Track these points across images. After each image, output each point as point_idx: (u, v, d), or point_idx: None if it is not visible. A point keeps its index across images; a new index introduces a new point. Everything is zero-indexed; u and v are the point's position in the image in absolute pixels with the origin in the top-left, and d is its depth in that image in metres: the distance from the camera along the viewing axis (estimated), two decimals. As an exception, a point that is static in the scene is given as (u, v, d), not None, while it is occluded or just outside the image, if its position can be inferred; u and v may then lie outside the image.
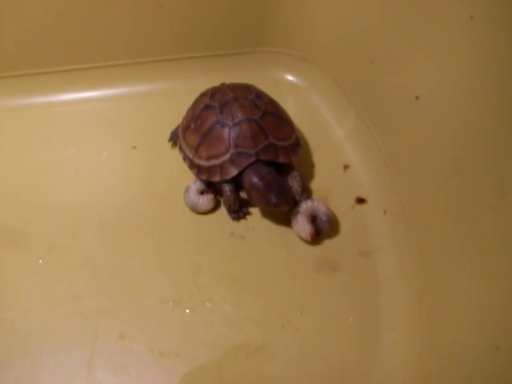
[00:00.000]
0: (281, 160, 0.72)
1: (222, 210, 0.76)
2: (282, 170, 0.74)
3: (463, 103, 0.58)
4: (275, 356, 0.63)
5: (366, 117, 0.79)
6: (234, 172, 0.70)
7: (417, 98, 0.65)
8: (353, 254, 0.71)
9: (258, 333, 0.65)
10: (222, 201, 0.76)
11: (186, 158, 0.76)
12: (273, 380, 0.62)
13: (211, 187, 0.76)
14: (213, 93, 0.77)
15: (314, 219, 0.72)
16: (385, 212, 0.74)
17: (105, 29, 0.85)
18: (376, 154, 0.76)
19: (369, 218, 0.75)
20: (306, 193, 0.74)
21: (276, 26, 0.89)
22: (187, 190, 0.75)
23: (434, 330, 0.60)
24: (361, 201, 0.76)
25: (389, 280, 0.68)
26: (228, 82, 0.81)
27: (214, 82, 0.82)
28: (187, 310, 0.67)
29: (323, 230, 0.71)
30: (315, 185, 0.78)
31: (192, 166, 0.75)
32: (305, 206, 0.71)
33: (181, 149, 0.78)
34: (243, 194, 0.74)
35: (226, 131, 0.72)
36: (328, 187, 0.78)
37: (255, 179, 0.69)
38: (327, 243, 0.72)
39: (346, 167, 0.81)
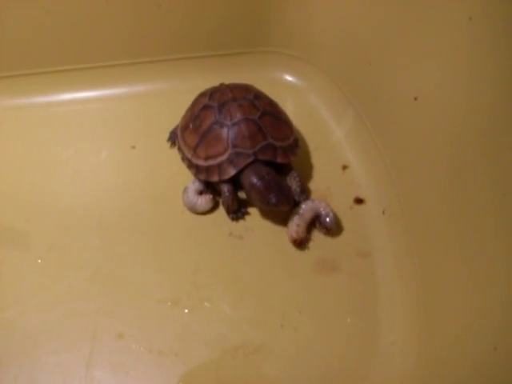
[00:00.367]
0: (279, 160, 0.72)
1: (221, 210, 0.76)
2: (281, 170, 0.74)
3: (462, 104, 0.58)
4: (273, 356, 0.63)
5: (364, 117, 0.79)
6: (232, 172, 0.70)
7: (415, 98, 0.65)
8: (351, 255, 0.71)
9: (257, 333, 0.65)
10: (220, 201, 0.76)
11: (184, 158, 0.76)
12: (271, 380, 0.62)
13: (210, 187, 0.76)
14: (211, 93, 0.77)
15: (315, 220, 0.72)
16: (383, 212, 0.74)
17: (104, 29, 0.85)
18: (375, 154, 0.76)
19: (367, 219, 0.75)
20: (305, 193, 0.74)
21: (275, 27, 0.89)
22: (186, 190, 0.75)
23: (433, 330, 0.60)
24: (359, 201, 0.77)
25: (387, 280, 0.68)
26: (227, 82, 0.81)
27: (213, 82, 0.82)
28: (186, 310, 0.67)
29: (331, 230, 0.72)
30: (314, 185, 0.78)
31: (190, 165, 0.75)
32: (305, 207, 0.71)
33: (179, 149, 0.78)
34: (242, 194, 0.74)
35: (224, 131, 0.72)
36: (327, 187, 0.78)
37: (254, 179, 0.69)
38: (326, 243, 0.72)
39: (344, 167, 0.81)
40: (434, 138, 0.63)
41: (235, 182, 0.72)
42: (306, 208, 0.71)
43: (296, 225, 0.71)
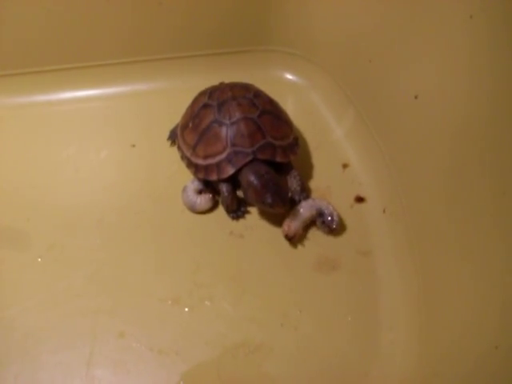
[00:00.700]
0: (278, 159, 0.72)
1: (221, 209, 0.76)
2: (281, 169, 0.73)
3: (462, 103, 0.58)
4: (274, 354, 0.63)
5: (365, 116, 0.79)
6: (230, 171, 0.70)
7: (416, 97, 0.65)
8: (352, 253, 0.71)
9: (257, 331, 0.65)
10: (220, 200, 0.76)
11: (183, 157, 0.76)
12: (272, 378, 0.62)
13: (209, 187, 0.75)
14: (211, 92, 0.77)
15: (316, 218, 0.72)
16: (384, 211, 0.74)
17: (104, 27, 0.85)
18: (375, 152, 0.76)
19: (368, 217, 0.75)
20: (306, 192, 0.74)
21: (276, 25, 0.89)
22: (185, 189, 0.75)
23: (433, 329, 0.60)
24: (360, 200, 0.76)
25: (388, 279, 0.68)
26: (228, 80, 0.81)
27: (213, 80, 0.82)
28: (186, 309, 0.67)
29: (334, 230, 0.72)
30: (314, 183, 0.78)
31: (189, 164, 0.75)
32: (304, 205, 0.71)
33: (179, 148, 0.78)
34: (241, 194, 0.74)
35: (223, 130, 0.71)
36: (327, 186, 0.78)
37: (252, 177, 0.68)
38: (326, 242, 0.72)
39: (345, 166, 0.81)
40: (435, 137, 0.63)
41: (234, 181, 0.72)
42: (305, 206, 0.71)
43: (290, 220, 0.71)
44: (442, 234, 0.62)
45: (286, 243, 0.72)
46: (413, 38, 0.66)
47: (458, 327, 0.55)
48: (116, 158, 0.83)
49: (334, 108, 0.87)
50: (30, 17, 0.82)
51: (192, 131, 0.75)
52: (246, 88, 0.77)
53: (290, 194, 0.73)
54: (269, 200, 0.67)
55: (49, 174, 0.81)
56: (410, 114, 0.68)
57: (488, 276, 0.53)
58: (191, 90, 0.81)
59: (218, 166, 0.71)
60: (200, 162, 0.73)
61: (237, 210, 0.74)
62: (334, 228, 0.71)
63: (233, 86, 0.77)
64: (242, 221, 0.75)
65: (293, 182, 0.73)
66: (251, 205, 0.75)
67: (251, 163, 0.70)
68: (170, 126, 0.84)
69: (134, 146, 0.84)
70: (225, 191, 0.72)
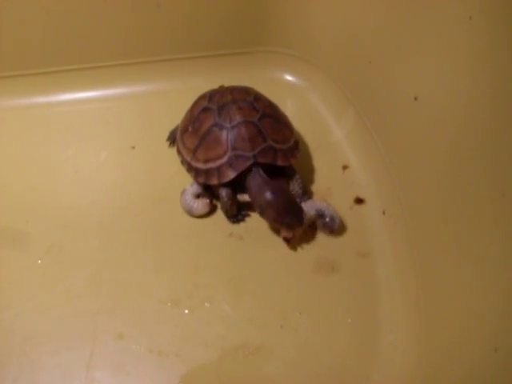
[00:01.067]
0: (279, 163, 0.71)
1: (221, 211, 0.75)
2: (283, 172, 0.73)
3: (462, 104, 0.58)
4: (274, 356, 0.63)
5: (364, 117, 0.79)
6: (231, 175, 0.70)
7: (415, 98, 0.65)
8: (351, 255, 0.71)
9: (257, 333, 0.65)
10: (217, 204, 0.76)
11: (183, 161, 0.76)
12: (271, 380, 0.62)
13: (208, 191, 0.75)
14: (211, 95, 0.77)
15: (317, 220, 0.72)
16: (384, 212, 0.74)
17: (103, 29, 0.85)
18: (375, 154, 0.76)
19: (368, 219, 0.75)
20: (307, 194, 0.74)
21: (275, 26, 0.89)
22: (183, 192, 0.75)
23: (433, 330, 0.60)
24: (360, 201, 0.76)
25: (387, 280, 0.68)
26: (227, 81, 0.82)
27: (212, 81, 0.82)
28: (186, 311, 0.67)
29: (334, 232, 0.72)
30: (314, 185, 0.78)
31: (190, 169, 0.74)
32: (305, 207, 0.71)
33: (179, 151, 0.77)
34: (241, 197, 0.73)
35: (223, 134, 0.71)
36: (327, 187, 0.78)
37: (269, 196, 0.67)
38: (326, 243, 0.72)
39: (344, 167, 0.81)
40: (434, 138, 0.63)
41: (234, 186, 0.72)
42: (305, 207, 0.71)
43: None
44: (442, 236, 0.62)
45: (285, 245, 0.72)
46: (412, 39, 0.66)
47: (457, 329, 0.55)
48: (116, 159, 0.83)
49: (334, 109, 0.87)
50: (30, 18, 0.82)
51: (192, 135, 0.74)
52: (245, 91, 0.77)
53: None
54: (287, 220, 0.67)
55: (49, 175, 0.81)
56: (410, 115, 0.68)
57: (487, 278, 0.53)
58: (191, 92, 0.81)
59: (219, 170, 0.71)
60: (200, 166, 0.73)
61: (236, 215, 0.74)
62: (335, 229, 0.71)
63: (233, 90, 0.77)
64: (241, 223, 0.75)
65: (295, 185, 0.73)
66: (252, 210, 0.75)
67: (254, 169, 0.70)
68: (170, 127, 0.84)
69: (133, 147, 0.84)
70: (224, 196, 0.72)
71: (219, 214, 0.76)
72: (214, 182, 0.71)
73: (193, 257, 0.71)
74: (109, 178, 0.81)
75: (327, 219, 0.71)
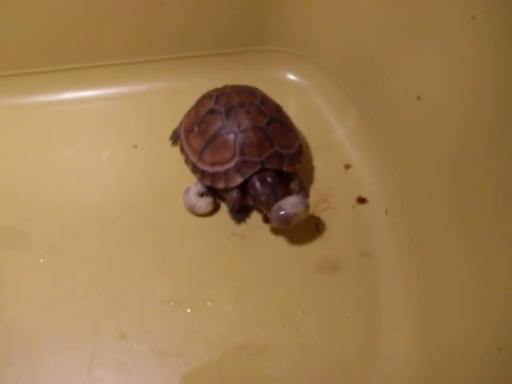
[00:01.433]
0: (285, 169, 0.72)
1: (224, 210, 0.76)
2: (286, 175, 0.73)
3: (465, 104, 0.58)
4: (276, 356, 0.63)
5: (367, 116, 0.79)
6: (239, 180, 0.70)
7: (418, 98, 0.65)
8: (354, 254, 0.71)
9: (259, 333, 0.65)
10: (220, 203, 0.76)
11: (188, 161, 0.76)
12: (273, 380, 0.62)
13: (211, 190, 0.75)
14: (217, 96, 0.76)
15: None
16: (386, 212, 0.74)
17: (106, 27, 0.85)
18: (377, 153, 0.76)
19: (370, 218, 0.75)
20: (303, 191, 0.75)
21: (277, 25, 0.89)
22: (187, 191, 0.75)
23: (435, 330, 0.60)
24: (362, 200, 0.76)
25: (390, 280, 0.68)
26: (229, 80, 0.81)
27: (215, 80, 0.82)
28: (188, 310, 0.67)
29: (271, 222, 0.70)
30: (316, 184, 0.78)
31: (195, 170, 0.74)
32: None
33: (183, 151, 0.77)
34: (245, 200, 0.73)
35: (231, 138, 0.71)
36: (329, 187, 0.78)
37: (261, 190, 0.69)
38: (328, 243, 0.72)
39: (347, 167, 0.81)
40: (437, 138, 0.63)
41: (243, 187, 0.71)
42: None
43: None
44: (444, 235, 0.62)
45: (288, 244, 0.72)
46: (415, 39, 0.66)
47: (460, 329, 0.55)
48: (118, 158, 0.83)
49: (336, 109, 0.87)
50: (31, 17, 0.82)
51: (198, 136, 0.74)
52: (252, 93, 0.77)
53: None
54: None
55: (50, 174, 0.81)
56: (413, 114, 0.68)
57: (490, 277, 0.53)
58: (193, 91, 0.81)
59: (226, 175, 0.71)
60: (207, 168, 0.73)
61: (239, 212, 0.74)
62: (272, 221, 0.69)
63: (239, 91, 0.76)
64: (243, 223, 0.74)
65: (294, 186, 0.74)
66: (257, 209, 0.75)
67: (259, 172, 0.70)
68: (172, 126, 0.84)
69: (136, 146, 0.84)
70: (234, 197, 0.72)
71: (222, 213, 0.75)
72: (221, 185, 0.71)
73: (195, 256, 0.71)
74: (111, 177, 0.81)
75: (282, 212, 0.68)
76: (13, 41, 0.85)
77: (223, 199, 0.75)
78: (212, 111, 0.74)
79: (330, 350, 0.63)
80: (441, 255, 0.62)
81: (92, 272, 0.70)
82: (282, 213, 0.67)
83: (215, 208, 0.75)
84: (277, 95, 0.80)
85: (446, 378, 0.55)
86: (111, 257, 0.71)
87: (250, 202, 0.72)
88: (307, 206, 0.68)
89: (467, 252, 0.57)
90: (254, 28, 0.89)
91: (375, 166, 0.77)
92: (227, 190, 0.72)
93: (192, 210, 0.74)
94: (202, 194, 0.75)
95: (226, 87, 0.79)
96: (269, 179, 0.70)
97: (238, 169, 0.70)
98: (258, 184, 0.70)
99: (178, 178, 0.79)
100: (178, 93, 0.90)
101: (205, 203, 0.74)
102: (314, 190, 0.78)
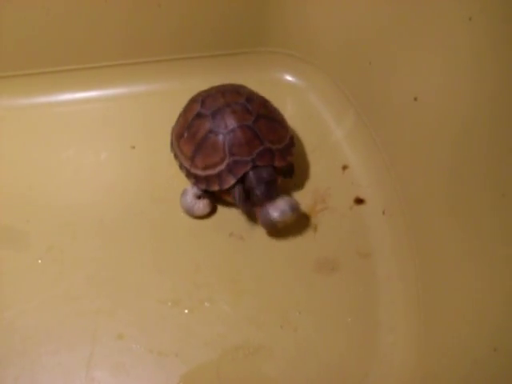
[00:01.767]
0: (277, 164, 0.72)
1: (221, 211, 0.76)
2: (283, 170, 0.74)
3: (462, 105, 0.58)
4: (274, 356, 0.63)
5: (364, 117, 0.79)
6: (231, 181, 0.70)
7: (415, 99, 0.65)
8: (352, 255, 0.71)
9: (257, 333, 0.65)
10: (217, 205, 0.76)
11: (182, 167, 0.76)
12: (271, 380, 0.62)
13: (208, 192, 0.75)
14: (203, 99, 0.76)
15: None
16: (383, 212, 0.74)
17: (104, 29, 0.85)
18: (375, 154, 0.76)
19: (367, 219, 0.75)
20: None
21: (275, 26, 0.89)
22: (184, 193, 0.75)
23: (433, 330, 0.60)
24: (359, 201, 0.77)
25: (387, 280, 0.68)
26: (227, 81, 0.81)
27: (212, 82, 0.82)
28: (186, 310, 0.67)
29: (263, 225, 0.71)
30: (314, 185, 0.78)
31: (189, 175, 0.74)
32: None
33: (176, 157, 0.77)
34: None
35: (220, 140, 0.71)
36: (327, 187, 0.78)
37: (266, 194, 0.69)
38: (326, 243, 0.72)
39: (344, 168, 0.81)
40: (434, 139, 0.63)
41: (243, 184, 0.72)
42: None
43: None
44: (442, 236, 0.62)
45: (285, 245, 0.72)
46: (412, 40, 0.66)
47: (457, 329, 0.55)
48: (116, 159, 0.83)
49: (334, 110, 0.87)
50: (30, 18, 0.82)
51: (188, 142, 0.74)
52: (237, 92, 0.77)
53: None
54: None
55: (48, 175, 0.81)
56: (410, 115, 0.68)
57: (487, 278, 0.53)
58: (191, 92, 0.81)
59: (219, 177, 0.71)
60: (200, 172, 0.73)
61: (247, 203, 0.73)
62: (263, 225, 0.71)
63: (224, 92, 0.76)
64: (242, 222, 0.75)
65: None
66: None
67: (253, 169, 0.70)
68: (170, 127, 0.83)
69: (133, 147, 0.84)
70: (237, 196, 0.71)
71: (219, 214, 0.76)
72: (216, 188, 0.71)
73: (193, 256, 0.71)
74: (109, 177, 0.81)
75: (268, 216, 0.69)
76: (12, 42, 0.85)
77: (219, 199, 0.75)
78: (199, 115, 0.74)
79: (327, 350, 0.64)
80: (438, 255, 0.62)
81: (90, 272, 0.70)
82: (269, 217, 0.69)
83: (212, 210, 0.75)
84: (274, 96, 0.80)
85: (444, 378, 0.55)
86: (109, 257, 0.71)
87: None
88: (296, 211, 0.69)
89: (465, 252, 0.57)
90: (252, 29, 0.89)
91: (373, 167, 0.78)
92: (228, 190, 0.72)
93: (189, 213, 0.74)
94: (199, 196, 0.75)
95: (211, 89, 0.79)
96: (264, 175, 0.70)
97: (229, 170, 0.70)
98: (253, 180, 0.70)
99: (176, 179, 0.79)
100: (176, 94, 0.89)
101: (202, 205, 0.74)
102: (312, 191, 0.78)
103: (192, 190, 0.74)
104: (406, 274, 0.67)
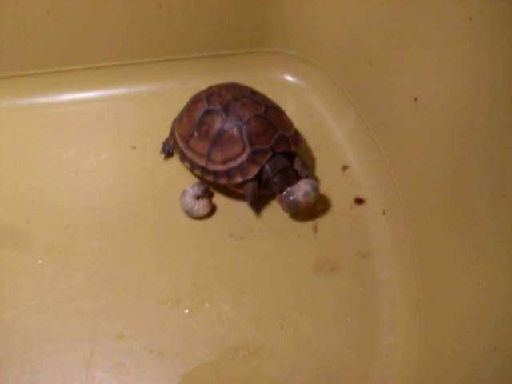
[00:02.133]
0: (293, 149, 0.74)
1: (221, 211, 0.76)
2: (290, 157, 0.75)
3: (462, 105, 0.58)
4: (274, 357, 0.63)
5: (364, 117, 0.79)
6: (255, 170, 0.71)
7: (415, 99, 0.65)
8: (352, 255, 0.71)
9: (257, 333, 0.65)
10: (217, 205, 0.76)
11: (195, 167, 0.75)
12: (271, 380, 0.62)
13: (207, 192, 0.76)
14: (208, 97, 0.76)
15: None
16: (384, 213, 0.74)
17: (104, 29, 0.85)
18: (375, 154, 0.76)
19: (368, 219, 0.75)
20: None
21: (275, 27, 0.89)
22: (183, 193, 0.75)
23: (433, 330, 0.60)
24: (360, 201, 0.77)
25: (388, 281, 0.69)
26: (227, 82, 0.81)
27: (213, 82, 0.82)
28: (186, 311, 0.67)
29: (284, 208, 0.72)
30: (314, 185, 0.78)
31: (207, 172, 0.74)
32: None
33: (185, 159, 0.76)
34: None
35: (237, 132, 0.72)
36: (327, 188, 0.78)
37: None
38: (326, 244, 0.72)
39: (344, 168, 0.81)
40: (434, 139, 0.63)
41: (259, 179, 0.73)
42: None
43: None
44: (442, 236, 0.62)
45: (285, 245, 0.72)
46: (412, 40, 0.66)
47: (457, 329, 0.55)
48: (116, 160, 0.83)
49: (334, 110, 0.87)
50: (30, 19, 0.82)
51: (201, 139, 0.74)
52: (239, 88, 0.78)
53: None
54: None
55: (49, 175, 0.81)
56: (410, 115, 0.68)
57: (487, 278, 0.53)
58: (192, 92, 0.81)
59: (241, 168, 0.71)
60: (219, 167, 0.73)
61: (258, 203, 0.74)
62: (285, 208, 0.72)
63: (227, 88, 0.77)
64: (242, 223, 0.75)
65: (299, 168, 0.75)
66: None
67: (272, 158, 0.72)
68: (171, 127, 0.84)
69: (134, 147, 0.84)
70: (252, 189, 0.72)
71: (219, 215, 0.76)
72: (238, 180, 0.72)
73: (193, 257, 0.71)
74: (109, 178, 0.81)
75: (291, 198, 0.71)
76: (11, 42, 0.85)
77: (219, 189, 0.76)
78: (208, 112, 0.75)
79: (327, 351, 0.64)
80: (438, 256, 0.62)
81: (90, 273, 0.70)
82: (293, 199, 0.70)
83: (212, 210, 0.75)
84: (275, 96, 0.80)
85: (443, 378, 0.55)
86: (109, 258, 0.71)
87: (264, 191, 0.74)
88: (317, 191, 0.71)
89: (465, 252, 0.57)
90: (252, 29, 0.89)
91: (373, 167, 0.78)
92: (242, 184, 0.73)
93: (189, 213, 0.74)
94: (198, 197, 0.75)
95: (210, 88, 0.80)
96: (279, 163, 0.72)
97: (252, 159, 0.71)
98: (269, 172, 0.71)
99: (176, 179, 0.79)
100: (176, 94, 0.90)
101: (202, 206, 0.74)
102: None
103: (191, 191, 0.74)
104: (407, 274, 0.67)
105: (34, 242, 0.73)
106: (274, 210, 0.75)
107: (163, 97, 0.91)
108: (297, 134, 0.77)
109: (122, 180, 0.80)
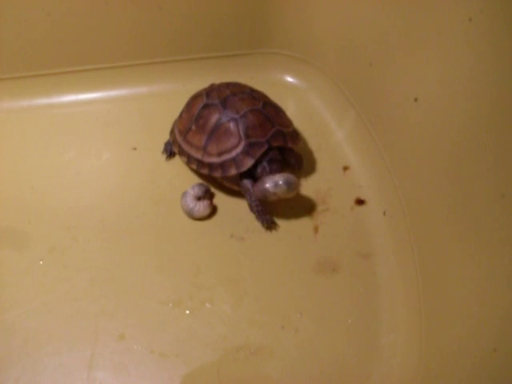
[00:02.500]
0: (290, 145, 0.74)
1: (222, 212, 0.76)
2: (291, 162, 0.76)
3: (462, 105, 0.58)
4: (275, 357, 0.63)
5: (365, 118, 0.79)
6: (249, 162, 0.71)
7: (416, 99, 0.65)
8: (352, 255, 0.71)
9: (258, 334, 0.65)
10: (218, 206, 0.76)
11: (191, 160, 0.76)
12: (272, 381, 0.62)
13: (208, 193, 0.76)
14: (207, 92, 0.77)
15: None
16: (384, 213, 0.74)
17: (105, 31, 0.85)
18: (375, 155, 0.76)
19: (368, 220, 0.75)
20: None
21: (276, 28, 0.89)
22: (184, 195, 0.75)
23: (434, 331, 0.60)
24: (360, 202, 0.77)
25: (388, 281, 0.69)
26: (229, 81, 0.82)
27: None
28: (187, 311, 0.67)
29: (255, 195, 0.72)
30: (315, 186, 0.79)
31: (202, 165, 0.74)
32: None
33: (183, 153, 0.77)
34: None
35: (233, 124, 0.72)
36: (328, 188, 0.78)
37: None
38: (327, 244, 0.73)
39: (345, 168, 0.81)
40: (435, 139, 0.63)
41: (253, 177, 0.73)
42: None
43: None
44: (443, 237, 0.62)
45: (286, 246, 0.72)
46: (412, 41, 0.66)
47: (457, 330, 0.55)
48: (117, 160, 0.84)
49: (335, 110, 0.87)
50: (31, 20, 0.83)
51: (198, 132, 0.75)
52: (239, 85, 0.79)
53: None
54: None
55: (50, 176, 0.81)
56: (410, 116, 0.68)
57: (488, 278, 0.53)
58: (192, 93, 0.81)
59: (235, 160, 0.72)
60: (214, 160, 0.73)
61: (266, 214, 0.74)
62: (255, 194, 0.72)
63: (227, 85, 0.78)
64: (242, 223, 0.75)
65: (291, 160, 0.77)
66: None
67: (267, 153, 0.72)
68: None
69: (135, 148, 0.84)
70: (248, 187, 0.73)
71: (220, 216, 0.76)
72: (232, 172, 0.72)
73: (194, 258, 0.71)
74: (110, 179, 0.81)
75: (263, 186, 0.69)
76: (13, 44, 0.86)
77: (220, 190, 0.76)
78: (207, 106, 0.75)
79: (328, 351, 0.64)
80: (439, 256, 0.62)
81: (91, 274, 0.70)
82: (261, 186, 0.69)
83: (213, 211, 0.76)
84: (276, 97, 0.80)
85: (444, 378, 0.55)
86: (110, 258, 0.72)
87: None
88: (290, 186, 0.69)
89: (465, 252, 0.57)
90: (253, 31, 0.90)
91: (373, 168, 0.78)
92: (238, 180, 0.73)
93: (190, 214, 0.75)
94: (199, 198, 0.75)
95: (212, 85, 0.81)
96: (276, 158, 0.72)
97: (246, 152, 0.71)
98: (266, 164, 0.72)
99: (177, 180, 0.79)
100: (177, 95, 0.89)
101: (202, 207, 0.74)
102: (313, 192, 0.78)
103: (192, 192, 0.75)
104: (407, 274, 0.67)
105: (36, 242, 0.73)
106: (275, 211, 0.75)
107: (164, 98, 0.91)
108: (295, 132, 0.78)
109: (122, 181, 0.81)
